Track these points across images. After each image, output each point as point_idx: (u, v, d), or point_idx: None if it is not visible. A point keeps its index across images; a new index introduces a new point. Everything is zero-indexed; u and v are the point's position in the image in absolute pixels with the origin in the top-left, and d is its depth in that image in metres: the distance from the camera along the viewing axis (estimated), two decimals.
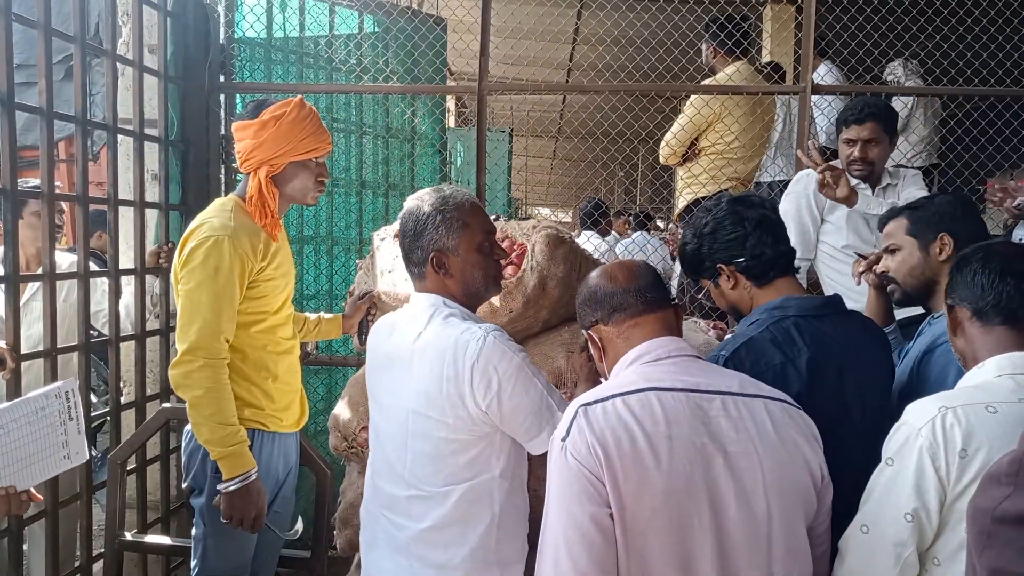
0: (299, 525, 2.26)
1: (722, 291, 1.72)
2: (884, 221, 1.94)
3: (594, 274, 1.51)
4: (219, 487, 1.86)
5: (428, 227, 1.63)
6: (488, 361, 1.51)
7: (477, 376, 1.51)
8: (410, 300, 1.74)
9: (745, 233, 1.63)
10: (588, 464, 1.21)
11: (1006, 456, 0.89)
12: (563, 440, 1.26)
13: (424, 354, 1.58)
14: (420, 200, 1.68)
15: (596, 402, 1.27)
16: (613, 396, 1.27)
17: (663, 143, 3.68)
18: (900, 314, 2.17)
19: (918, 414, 1.26)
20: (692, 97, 3.63)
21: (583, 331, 1.53)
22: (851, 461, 1.46)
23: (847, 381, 1.57)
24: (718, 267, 1.69)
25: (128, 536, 2.48)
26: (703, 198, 3.59)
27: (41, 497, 1.71)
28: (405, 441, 1.61)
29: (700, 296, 3.27)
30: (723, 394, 1.29)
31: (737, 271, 1.67)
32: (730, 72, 3.67)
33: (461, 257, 1.63)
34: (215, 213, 1.93)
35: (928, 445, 1.21)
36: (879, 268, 1.97)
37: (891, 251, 1.88)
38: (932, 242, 1.80)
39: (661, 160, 3.71)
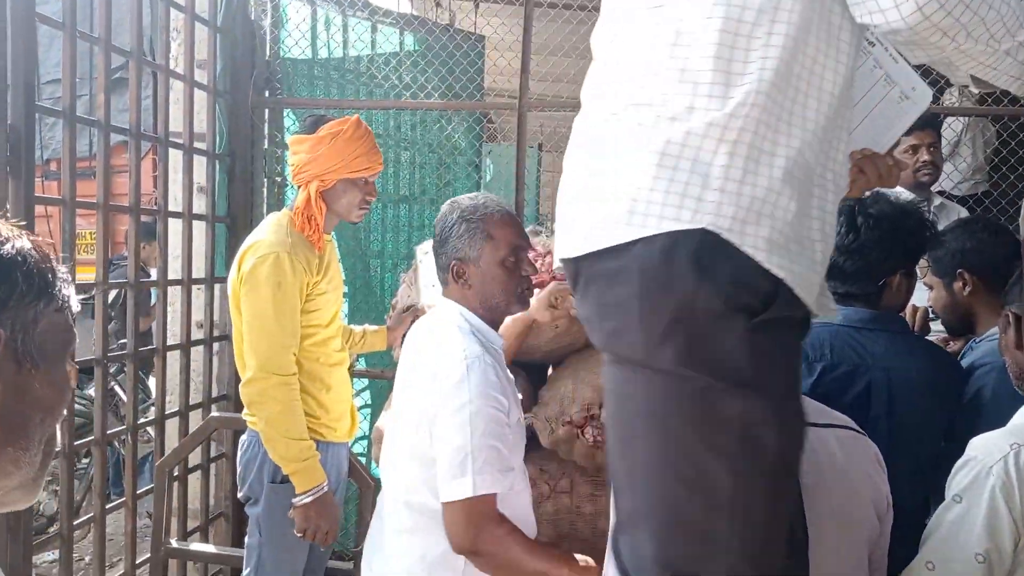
0: None
1: None
2: None
3: None
4: (293, 501, 1.89)
5: (452, 234, 1.60)
6: (458, 384, 1.46)
7: (448, 394, 1.48)
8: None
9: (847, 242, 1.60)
10: None
11: None
12: None
13: (422, 364, 1.59)
14: (453, 205, 1.65)
15: None
16: None
17: None
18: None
19: (988, 450, 1.22)
20: None
21: None
22: None
23: (876, 396, 1.56)
24: None
25: (174, 543, 2.50)
26: None
27: None
28: (399, 447, 1.61)
29: None
30: None
31: None
32: None
33: (481, 269, 1.59)
34: (271, 230, 1.97)
35: (1001, 485, 1.18)
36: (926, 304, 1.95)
37: (928, 286, 1.89)
38: (954, 280, 1.79)
39: None
